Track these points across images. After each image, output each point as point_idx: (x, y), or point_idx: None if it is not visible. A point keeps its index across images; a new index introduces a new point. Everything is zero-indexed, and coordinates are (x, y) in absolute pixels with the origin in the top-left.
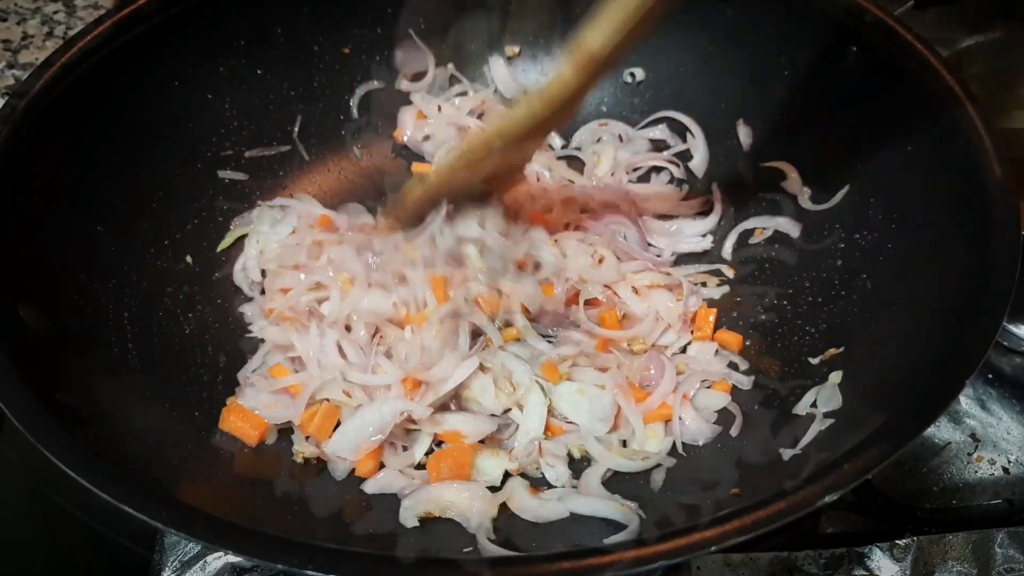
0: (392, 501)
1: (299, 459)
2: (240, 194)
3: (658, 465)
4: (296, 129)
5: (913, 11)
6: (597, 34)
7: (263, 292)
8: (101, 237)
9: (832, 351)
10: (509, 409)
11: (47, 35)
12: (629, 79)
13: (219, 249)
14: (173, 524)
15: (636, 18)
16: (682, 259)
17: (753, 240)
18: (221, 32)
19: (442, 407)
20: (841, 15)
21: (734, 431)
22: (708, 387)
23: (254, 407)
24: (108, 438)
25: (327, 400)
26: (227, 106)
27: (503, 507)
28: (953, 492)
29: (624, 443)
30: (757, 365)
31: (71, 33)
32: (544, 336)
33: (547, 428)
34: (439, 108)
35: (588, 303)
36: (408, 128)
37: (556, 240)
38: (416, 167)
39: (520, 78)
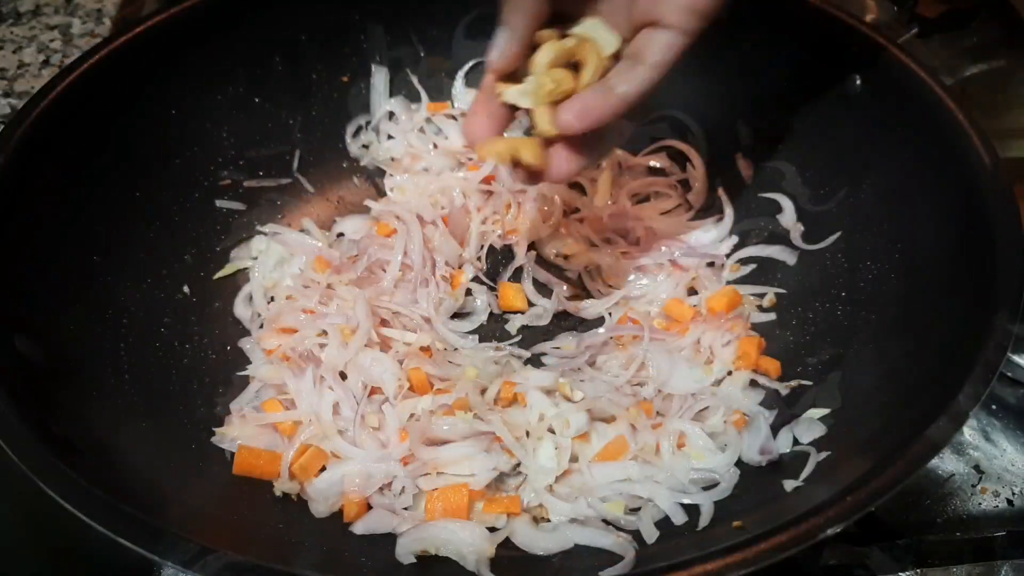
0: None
1: (278, 494)
2: (238, 224)
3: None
4: (295, 159)
5: (917, 39)
6: None
7: (262, 327)
8: (97, 267)
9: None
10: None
11: (43, 63)
12: None
13: (215, 278)
14: (169, 556)
15: None
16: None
17: (753, 240)
18: (219, 60)
19: None
20: (844, 43)
21: None
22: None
23: (236, 437)
24: (104, 469)
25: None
26: (225, 134)
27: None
28: (957, 524)
29: None
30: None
31: (67, 61)
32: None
33: None
34: (434, 145)
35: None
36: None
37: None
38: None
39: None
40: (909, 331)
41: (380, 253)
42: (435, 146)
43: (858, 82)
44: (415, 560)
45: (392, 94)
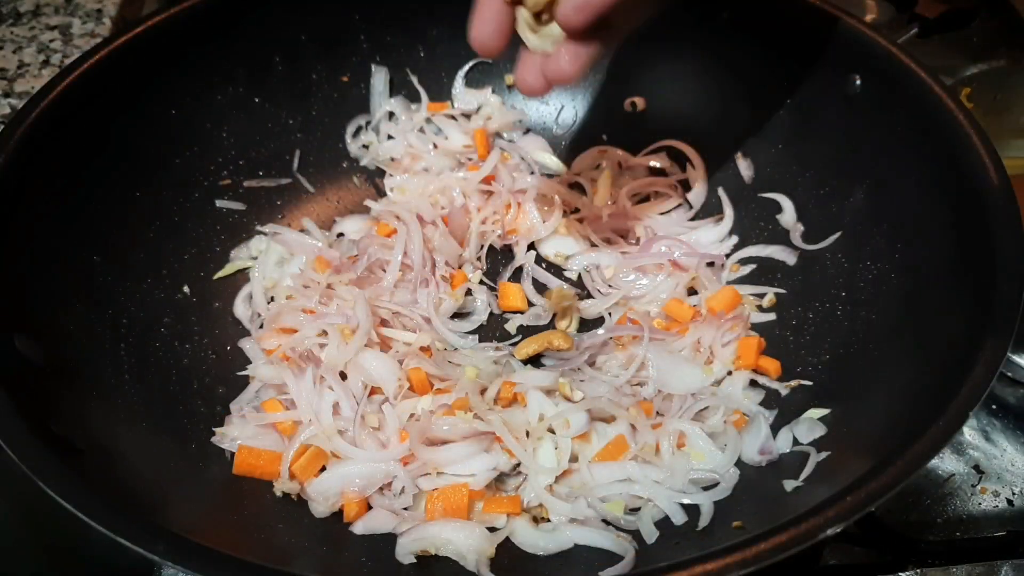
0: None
1: (278, 494)
2: (238, 224)
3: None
4: (295, 159)
5: (917, 39)
6: None
7: (262, 327)
8: (97, 267)
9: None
10: (518, 464)
11: (43, 63)
12: (630, 108)
13: (215, 277)
14: (169, 556)
15: None
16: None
17: (753, 240)
18: (219, 60)
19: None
20: (844, 43)
21: None
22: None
23: (236, 437)
24: (103, 468)
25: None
26: (225, 135)
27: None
28: (957, 524)
29: None
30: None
31: (67, 61)
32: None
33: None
34: (434, 145)
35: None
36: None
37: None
38: None
39: (520, 106)
40: (909, 331)
41: (380, 253)
42: (435, 146)
43: (858, 82)
44: (415, 560)
45: (392, 94)
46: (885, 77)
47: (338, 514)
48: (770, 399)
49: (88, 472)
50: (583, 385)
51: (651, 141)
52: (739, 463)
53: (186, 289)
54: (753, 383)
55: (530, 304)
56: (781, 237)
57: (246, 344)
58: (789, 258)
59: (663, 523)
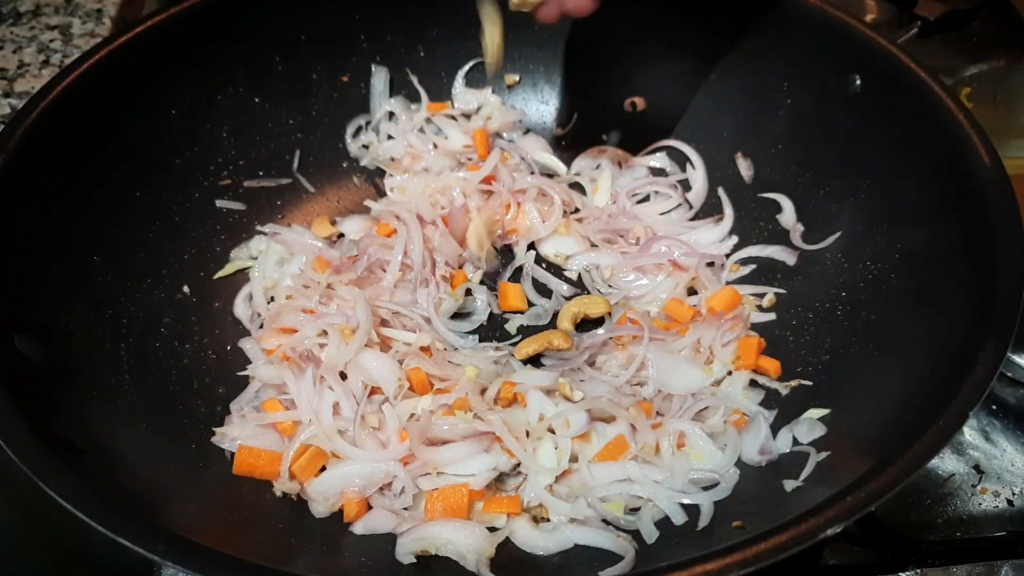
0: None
1: (278, 494)
2: (238, 224)
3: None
4: (295, 159)
5: (917, 39)
6: None
7: (262, 327)
8: (98, 267)
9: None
10: (518, 464)
11: (43, 63)
12: (630, 108)
13: (215, 277)
14: (169, 556)
15: None
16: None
17: (753, 240)
18: (219, 60)
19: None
20: (844, 43)
21: None
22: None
23: (236, 437)
24: (103, 468)
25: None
26: (225, 135)
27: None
28: (957, 524)
29: None
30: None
31: (67, 61)
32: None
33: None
34: (434, 145)
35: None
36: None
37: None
38: None
39: (520, 106)
40: (909, 331)
41: (380, 253)
42: (435, 146)
43: (858, 82)
44: (415, 560)
45: (392, 94)
46: (885, 77)
47: (338, 514)
48: (770, 399)
49: (88, 472)
50: (583, 385)
51: (651, 141)
52: (739, 463)
53: (186, 289)
54: (753, 383)
55: (530, 304)
56: (781, 237)
57: (246, 344)
58: (789, 258)
59: (663, 523)
